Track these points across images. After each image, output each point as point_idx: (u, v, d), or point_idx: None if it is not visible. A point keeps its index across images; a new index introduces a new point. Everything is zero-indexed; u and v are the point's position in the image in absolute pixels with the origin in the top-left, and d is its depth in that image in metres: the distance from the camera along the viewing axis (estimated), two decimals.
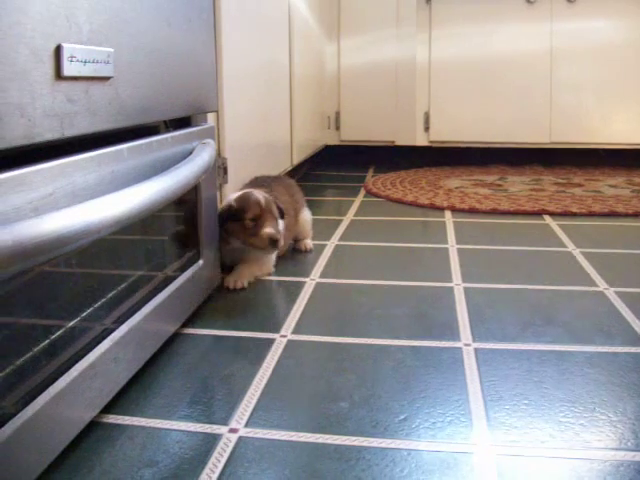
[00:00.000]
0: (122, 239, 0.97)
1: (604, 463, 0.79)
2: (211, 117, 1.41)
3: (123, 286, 0.97)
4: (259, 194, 1.44)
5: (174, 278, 1.11)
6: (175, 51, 1.08)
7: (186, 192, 1.02)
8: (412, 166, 3.12)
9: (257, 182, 1.64)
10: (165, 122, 1.14)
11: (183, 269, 1.15)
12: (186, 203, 1.18)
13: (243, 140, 1.73)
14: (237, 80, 1.64)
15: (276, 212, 1.44)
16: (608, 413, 0.90)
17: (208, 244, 1.26)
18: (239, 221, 1.39)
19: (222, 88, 1.52)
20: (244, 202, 1.40)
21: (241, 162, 1.70)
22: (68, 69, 0.72)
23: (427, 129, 3.13)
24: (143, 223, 1.04)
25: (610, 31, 2.96)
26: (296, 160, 2.42)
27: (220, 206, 1.42)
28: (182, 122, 1.19)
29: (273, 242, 1.37)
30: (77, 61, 0.73)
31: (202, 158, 1.07)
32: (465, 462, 0.79)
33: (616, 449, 0.82)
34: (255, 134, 1.87)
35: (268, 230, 1.37)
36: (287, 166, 2.30)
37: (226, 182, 1.57)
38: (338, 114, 3.19)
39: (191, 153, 1.11)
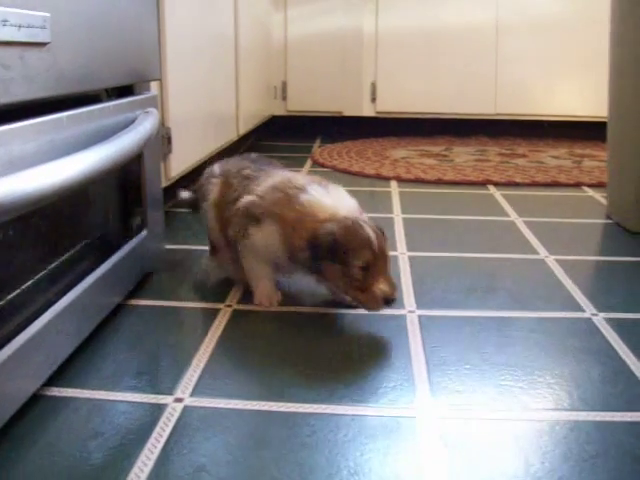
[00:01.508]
0: (63, 209, 0.96)
1: (541, 423, 0.82)
2: (155, 86, 1.38)
3: (65, 257, 0.96)
4: (367, 225, 1.04)
5: (118, 249, 1.10)
6: (116, 17, 1.06)
7: (129, 161, 1.01)
8: (359, 136, 3.12)
9: (241, 167, 1.23)
10: (107, 90, 1.12)
11: (127, 240, 1.14)
12: (129, 173, 1.17)
13: (188, 110, 1.71)
14: (181, 49, 1.62)
15: (388, 251, 1.07)
16: (546, 376, 0.93)
17: (153, 214, 1.25)
18: (340, 264, 1.03)
19: (166, 56, 1.50)
20: (352, 239, 1.02)
21: (186, 132, 1.68)
22: (1, 33, 0.70)
23: (374, 100, 3.13)
24: (86, 193, 1.03)
25: (555, 5, 3.00)
26: (242, 130, 2.40)
27: (310, 226, 1.05)
28: (125, 91, 1.17)
29: (389, 302, 1.04)
30: (10, 25, 0.71)
31: (144, 127, 1.06)
32: (408, 426, 0.81)
33: (552, 409, 0.85)
34: (200, 104, 1.85)
35: (384, 287, 1.02)
36: (233, 136, 2.28)
37: (170, 152, 1.55)
38: (285, 84, 3.18)
39: (133, 122, 1.09)
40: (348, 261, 1.02)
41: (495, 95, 3.08)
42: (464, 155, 2.66)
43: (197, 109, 1.82)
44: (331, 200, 1.09)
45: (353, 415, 0.83)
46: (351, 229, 1.03)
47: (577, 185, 2.18)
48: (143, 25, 1.19)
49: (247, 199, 1.14)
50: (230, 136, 2.24)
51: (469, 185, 2.16)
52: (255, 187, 1.15)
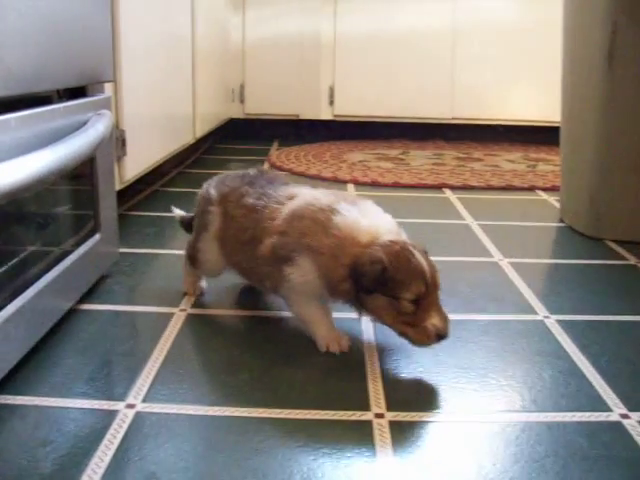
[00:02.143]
0: (12, 213, 0.94)
1: (493, 424, 0.83)
2: (109, 88, 1.37)
3: (14, 262, 0.94)
4: (416, 250, 0.93)
5: (69, 253, 1.08)
6: (68, 17, 1.04)
7: (81, 164, 0.99)
8: (317, 140, 3.12)
9: (244, 183, 1.10)
10: (58, 92, 1.10)
11: (79, 244, 1.12)
12: (81, 175, 1.15)
13: (143, 112, 1.69)
14: (136, 50, 1.60)
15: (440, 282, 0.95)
16: (499, 378, 0.94)
17: (106, 217, 1.23)
18: (388, 296, 0.91)
19: (120, 57, 1.48)
20: (403, 269, 0.90)
21: (141, 134, 1.66)
22: None
23: (332, 103, 3.14)
24: (37, 196, 1.01)
25: (511, 11, 3.04)
26: (199, 133, 2.39)
27: (351, 252, 0.93)
28: (77, 92, 1.15)
29: (441, 339, 0.92)
30: None
31: (96, 129, 1.04)
32: (361, 429, 0.81)
33: (504, 411, 0.86)
34: (156, 106, 1.83)
35: (437, 323, 0.91)
36: (189, 139, 2.27)
37: (125, 154, 1.53)
38: (242, 87, 3.16)
39: (85, 124, 1.07)
40: (397, 294, 0.90)
41: (452, 99, 3.11)
42: (421, 159, 2.68)
43: (153, 111, 1.80)
44: (368, 220, 0.96)
45: (306, 420, 0.83)
46: (401, 257, 0.91)
47: (531, 189, 2.21)
48: (96, 25, 1.17)
49: (268, 242, 1.00)
50: (187, 139, 2.23)
51: (425, 189, 2.17)
52: (270, 222, 1.01)
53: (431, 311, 0.91)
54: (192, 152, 2.68)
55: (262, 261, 1.01)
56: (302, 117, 3.16)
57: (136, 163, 1.63)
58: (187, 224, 1.25)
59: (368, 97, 3.12)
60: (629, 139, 1.57)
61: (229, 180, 1.13)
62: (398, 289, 0.90)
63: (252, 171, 1.14)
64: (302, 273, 0.96)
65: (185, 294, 1.20)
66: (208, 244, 1.12)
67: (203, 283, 1.21)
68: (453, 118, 3.12)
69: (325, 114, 3.15)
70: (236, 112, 3.15)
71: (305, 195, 1.03)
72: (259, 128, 3.23)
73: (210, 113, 2.61)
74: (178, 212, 1.30)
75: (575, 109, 1.71)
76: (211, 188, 1.13)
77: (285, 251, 0.98)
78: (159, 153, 1.87)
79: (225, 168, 2.48)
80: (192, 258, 1.16)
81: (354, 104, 3.13)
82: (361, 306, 0.96)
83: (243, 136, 3.20)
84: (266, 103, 3.16)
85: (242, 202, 1.07)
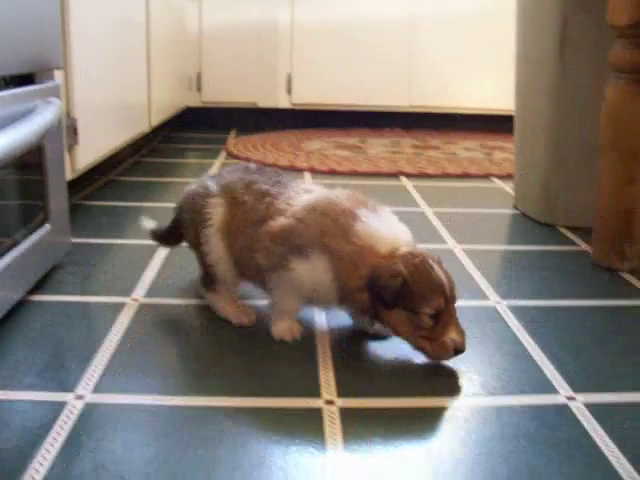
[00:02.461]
0: None
1: (442, 409, 0.84)
2: (59, 75, 1.34)
3: None
4: (435, 264, 0.92)
5: (18, 244, 1.06)
6: (13, 2, 1.02)
7: (29, 153, 0.97)
8: (275, 128, 3.11)
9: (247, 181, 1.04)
10: (5, 79, 1.08)
11: (27, 234, 1.10)
12: (30, 165, 1.13)
13: (96, 100, 1.67)
14: (88, 36, 1.57)
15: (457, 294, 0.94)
16: (449, 363, 0.94)
17: (56, 208, 1.21)
18: (406, 310, 0.89)
19: (70, 44, 1.45)
20: (423, 283, 0.88)
21: (94, 123, 1.63)
22: None
23: (289, 91, 3.12)
24: None
25: (468, 0, 3.06)
26: (155, 122, 2.36)
27: (371, 263, 0.90)
28: (25, 80, 1.13)
29: (458, 353, 0.91)
30: None
31: (43, 117, 1.02)
32: (312, 417, 0.81)
33: (454, 396, 0.87)
34: (109, 94, 1.81)
35: (455, 337, 0.89)
36: (145, 128, 2.24)
37: (76, 143, 1.50)
38: (199, 75, 3.13)
39: (32, 112, 1.05)
40: (417, 308, 0.88)
41: (409, 88, 3.12)
42: (378, 147, 2.69)
43: (106, 99, 1.77)
44: (387, 229, 0.94)
45: (258, 408, 0.83)
46: (422, 271, 0.89)
47: (487, 176, 2.23)
48: (44, 10, 1.15)
49: (282, 221, 0.95)
50: (142, 127, 2.20)
51: (382, 176, 2.18)
52: (286, 207, 0.97)
53: (450, 325, 0.89)
54: (148, 141, 2.65)
55: (267, 237, 0.96)
56: (260, 105, 3.14)
57: (89, 152, 1.60)
58: (161, 236, 1.20)
59: (326, 85, 3.11)
60: (581, 127, 1.59)
61: (227, 173, 1.08)
62: (418, 303, 0.88)
63: (252, 165, 1.09)
64: (310, 271, 0.93)
65: (239, 325, 1.05)
66: (211, 240, 1.03)
67: (248, 304, 1.11)
68: (411, 106, 3.13)
69: (283, 102, 3.14)
70: (193, 100, 3.12)
71: (324, 192, 1.00)
72: (217, 117, 3.20)
73: (166, 101, 2.59)
74: (148, 224, 1.21)
75: (528, 98, 1.72)
76: (207, 182, 1.06)
77: (298, 240, 0.93)
78: (113, 142, 1.85)
79: (182, 157, 2.46)
80: (207, 273, 1.07)
81: (312, 92, 3.12)
82: (376, 318, 0.93)
83: (200, 125, 3.18)
84: (223, 91, 3.14)
85: (254, 188, 1.01)
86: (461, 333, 0.90)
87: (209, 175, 1.11)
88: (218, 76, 3.12)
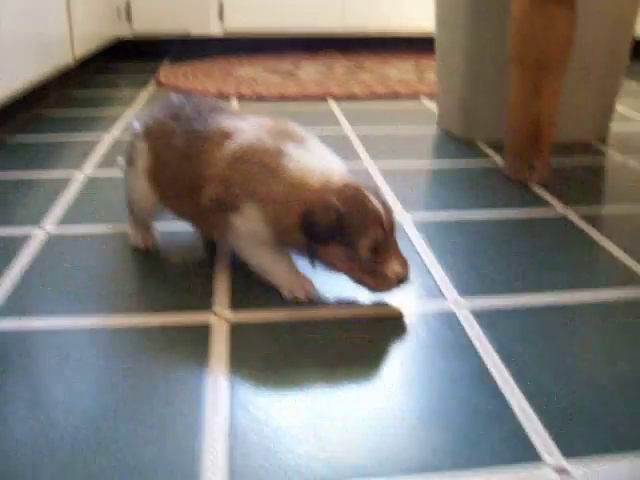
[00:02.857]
0: None
1: (328, 321, 0.86)
2: None
3: None
4: (370, 193, 0.87)
5: None
6: None
7: None
8: (208, 57, 3.06)
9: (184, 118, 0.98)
10: None
11: None
12: None
13: (7, 31, 1.62)
14: None
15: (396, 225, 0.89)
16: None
17: None
18: (344, 245, 0.85)
19: None
20: (359, 215, 0.84)
21: (5, 56, 1.59)
22: None
23: (222, 18, 3.06)
24: None
25: None
26: (79, 54, 2.31)
27: (302, 199, 0.86)
28: None
29: (401, 283, 0.87)
30: None
31: None
32: (201, 331, 0.83)
33: (340, 304, 0.89)
34: (22, 25, 1.75)
35: (397, 268, 0.86)
36: (68, 60, 2.19)
37: None
38: (129, 5, 3.04)
39: None
40: (354, 241, 0.84)
41: (343, 10, 3.07)
42: (311, 71, 2.67)
43: (19, 30, 1.72)
44: (317, 161, 0.88)
45: (146, 326, 0.85)
46: (357, 202, 0.85)
47: (415, 96, 2.23)
48: None
49: (210, 192, 0.91)
50: (64, 59, 2.15)
51: (310, 100, 2.17)
52: (209, 169, 0.92)
53: (390, 256, 0.86)
54: (77, 73, 2.59)
55: (207, 212, 0.94)
56: (192, 34, 3.08)
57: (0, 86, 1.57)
58: None
59: (259, 11, 3.06)
60: (496, 43, 1.60)
61: (156, 110, 1.03)
62: (355, 236, 0.84)
63: (176, 100, 1.02)
64: (247, 222, 0.89)
65: (134, 247, 1.08)
66: (137, 181, 1.02)
67: (155, 233, 1.10)
68: (344, 28, 3.10)
69: (215, 30, 3.08)
70: (123, 31, 3.04)
71: (245, 133, 0.92)
72: (150, 47, 3.14)
73: (92, 33, 2.52)
74: (122, 159, 1.14)
75: (445, 17, 1.72)
76: (136, 122, 1.04)
77: (229, 199, 0.90)
78: (30, 77, 1.80)
79: (113, 87, 2.42)
80: (129, 201, 1.07)
81: (245, 18, 3.06)
82: (314, 256, 0.88)
83: (134, 55, 3.11)
84: (154, 21, 3.06)
85: (172, 144, 0.96)
86: (404, 263, 0.87)
87: (145, 114, 1.07)
88: (148, 5, 3.04)
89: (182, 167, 0.95)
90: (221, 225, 0.92)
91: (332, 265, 0.88)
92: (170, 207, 1.02)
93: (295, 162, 0.87)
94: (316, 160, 0.88)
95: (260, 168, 0.88)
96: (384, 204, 0.87)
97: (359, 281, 0.88)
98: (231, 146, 0.91)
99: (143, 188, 1.02)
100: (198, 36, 3.09)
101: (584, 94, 1.67)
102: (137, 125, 1.03)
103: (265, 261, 0.93)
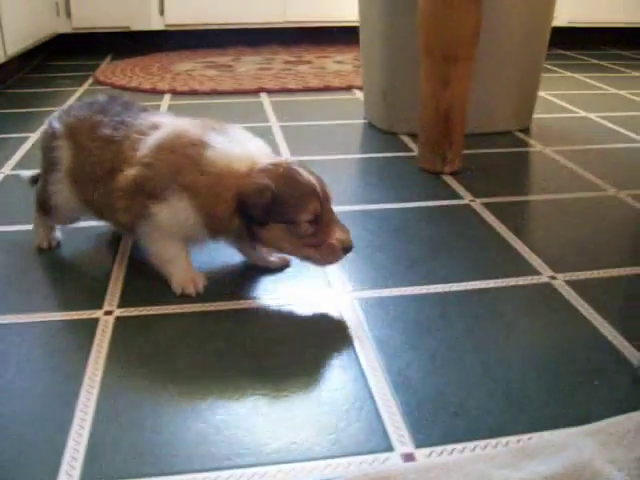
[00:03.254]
0: None
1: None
2: None
3: None
4: (300, 168, 0.89)
5: None
6: None
7: None
8: (150, 52, 3.05)
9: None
10: None
11: None
12: None
13: None
14: None
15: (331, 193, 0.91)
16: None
17: None
18: (284, 222, 0.86)
19: None
20: (293, 190, 0.85)
21: None
22: None
23: (162, 12, 3.05)
24: None
25: None
26: (11, 50, 2.28)
27: (233, 185, 0.87)
28: None
29: (348, 251, 0.88)
30: None
31: None
32: (89, 327, 0.85)
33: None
34: None
35: (340, 236, 0.87)
36: None
37: None
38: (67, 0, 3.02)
39: None
40: (293, 217, 0.85)
41: (284, 3, 3.08)
42: (249, 65, 2.68)
43: None
44: (241, 146, 0.90)
45: (39, 322, 0.86)
46: (289, 178, 0.86)
47: (349, 88, 2.26)
48: None
49: (131, 173, 0.90)
50: None
51: (243, 94, 2.18)
52: (132, 153, 0.92)
53: (331, 226, 0.87)
54: (16, 70, 2.57)
55: (120, 193, 0.91)
56: (133, 29, 3.07)
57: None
58: (34, 179, 1.12)
59: (200, 4, 3.05)
60: (414, 36, 1.62)
61: (75, 110, 1.01)
62: (293, 213, 0.85)
63: (102, 97, 1.02)
64: (173, 212, 0.88)
65: (38, 248, 1.08)
66: (58, 185, 1.00)
67: (57, 234, 1.10)
68: (286, 22, 3.11)
69: (156, 24, 3.06)
70: (63, 26, 3.02)
71: (170, 125, 0.94)
72: (91, 43, 3.12)
73: (26, 28, 2.50)
74: (25, 173, 1.14)
75: (366, 10, 1.74)
76: (54, 121, 1.01)
77: (152, 186, 0.89)
78: None
79: (53, 85, 2.40)
80: (43, 205, 1.04)
81: (186, 12, 3.05)
82: (255, 240, 0.90)
83: (75, 52, 3.09)
84: (95, 16, 3.03)
85: (97, 133, 0.95)
86: (346, 231, 0.88)
87: (60, 111, 1.04)
88: (87, 0, 3.01)
89: (104, 152, 0.94)
90: (134, 211, 0.91)
91: (275, 245, 0.89)
92: (85, 202, 0.99)
93: (218, 150, 0.88)
94: (239, 146, 0.90)
95: (187, 159, 0.88)
96: (315, 176, 0.88)
97: (305, 257, 0.89)
98: (157, 135, 0.92)
99: (64, 191, 1.00)
100: (139, 30, 3.08)
101: (504, 84, 1.71)
102: (56, 125, 1.00)
103: (166, 254, 0.93)
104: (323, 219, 0.86)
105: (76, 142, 0.97)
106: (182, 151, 0.89)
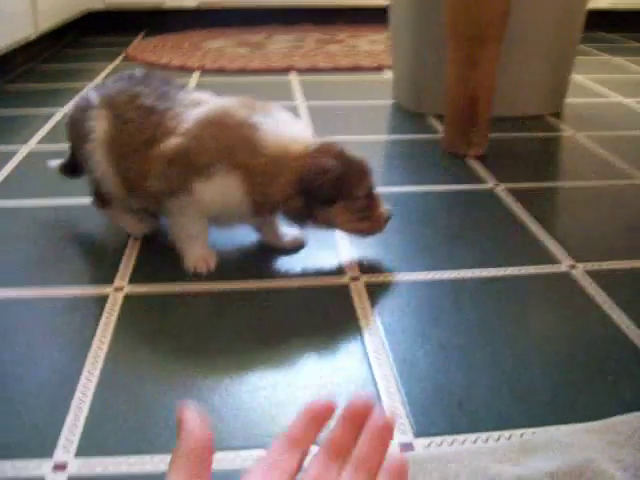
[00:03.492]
0: None
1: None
2: None
3: None
4: (343, 148, 0.90)
5: None
6: None
7: None
8: (184, 29, 3.04)
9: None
10: None
11: None
12: None
13: None
14: None
15: None
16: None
17: None
18: (344, 199, 0.88)
19: None
20: (351, 169, 0.88)
21: None
22: None
23: None
24: None
25: None
26: (44, 26, 2.29)
27: (293, 167, 0.86)
28: None
29: (388, 220, 0.94)
30: None
31: None
32: (101, 302, 0.85)
33: None
34: None
35: (385, 208, 0.92)
36: (30, 33, 2.18)
37: None
38: None
39: None
40: (353, 194, 0.88)
41: None
42: (281, 43, 2.65)
43: None
44: (289, 130, 0.90)
45: (50, 297, 0.86)
46: (344, 158, 0.88)
47: (379, 68, 2.23)
48: None
49: (176, 141, 0.88)
50: (26, 32, 2.14)
51: (272, 72, 2.16)
52: (174, 124, 0.90)
53: (376, 198, 0.91)
54: (47, 47, 2.58)
55: (160, 160, 0.89)
56: (166, 5, 3.06)
57: None
58: (68, 167, 1.08)
59: None
60: (438, 17, 1.58)
61: (111, 83, 0.98)
62: (354, 189, 0.87)
63: (138, 72, 0.99)
64: (218, 191, 0.87)
65: (135, 239, 1.03)
66: (95, 155, 0.95)
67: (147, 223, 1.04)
68: (320, 1, 3.07)
69: (190, 2, 3.05)
70: (95, 3, 3.02)
71: (215, 102, 0.93)
72: (125, 20, 3.12)
73: (58, 5, 2.50)
74: (55, 163, 1.11)
75: None
76: (90, 94, 0.97)
77: (197, 160, 0.87)
78: None
79: (86, 61, 2.41)
80: (99, 194, 1.01)
81: None
82: (311, 220, 0.90)
83: (108, 29, 3.09)
84: None
85: (138, 103, 0.93)
86: (382, 201, 0.93)
87: (96, 86, 1.00)
88: None
89: (144, 121, 0.91)
90: (170, 181, 0.88)
91: (330, 223, 0.90)
92: (118, 176, 0.95)
93: (272, 132, 0.87)
94: (287, 128, 0.89)
95: (240, 139, 0.87)
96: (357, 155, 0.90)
97: (357, 230, 0.92)
98: (202, 110, 0.90)
99: (101, 162, 0.95)
100: (172, 8, 3.07)
101: (536, 68, 1.66)
102: (93, 95, 0.96)
103: (189, 230, 0.93)
104: (373, 195, 0.91)
105: (115, 112, 0.94)
106: (234, 130, 0.87)
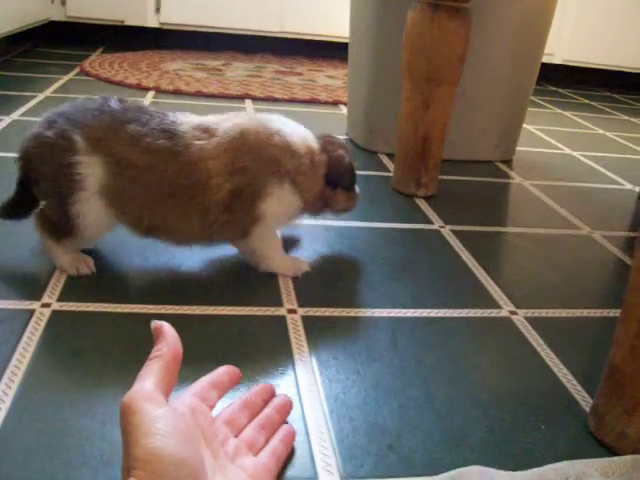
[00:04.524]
0: None
1: None
2: None
3: None
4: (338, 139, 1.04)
5: None
6: None
7: None
8: (144, 48, 3.02)
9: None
10: None
11: None
12: None
13: None
14: None
15: None
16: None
17: None
18: (344, 185, 1.02)
19: None
20: (352, 158, 1.02)
21: None
22: None
23: (158, 10, 3.02)
24: None
25: None
26: None
27: (318, 162, 0.96)
28: None
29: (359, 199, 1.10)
30: None
31: None
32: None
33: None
34: None
35: (357, 189, 1.08)
36: None
37: None
38: None
39: None
40: (354, 180, 1.04)
41: (282, 13, 3.06)
42: (240, 70, 2.65)
43: None
44: (297, 128, 0.97)
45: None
46: (345, 148, 1.02)
47: (335, 103, 2.23)
48: None
49: (224, 187, 0.87)
50: None
51: (228, 99, 2.15)
52: (208, 162, 0.87)
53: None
54: (2, 54, 2.53)
55: (216, 209, 0.88)
56: (127, 23, 3.03)
57: None
58: (12, 209, 0.94)
59: (197, 6, 3.02)
60: (398, 58, 1.60)
61: (85, 118, 0.86)
62: (354, 175, 1.03)
63: (114, 103, 0.89)
64: (280, 201, 0.92)
65: (76, 275, 0.93)
66: (88, 205, 0.87)
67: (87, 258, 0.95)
68: (282, 32, 3.08)
69: (151, 21, 3.03)
70: (57, 14, 2.98)
71: (228, 124, 0.91)
72: (85, 33, 3.08)
73: (15, 11, 2.46)
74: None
75: (356, 28, 1.72)
76: (67, 131, 0.85)
77: (253, 189, 0.89)
78: None
79: (41, 72, 2.35)
80: (64, 228, 0.89)
81: (182, 12, 3.02)
82: (327, 208, 1.03)
83: (67, 41, 3.05)
84: (90, 6, 3.00)
85: (142, 145, 0.85)
86: None
87: (57, 112, 0.88)
88: None
89: (167, 166, 0.86)
90: (242, 220, 0.91)
91: (337, 207, 1.03)
92: (134, 220, 0.90)
93: (294, 134, 0.94)
94: (296, 127, 0.97)
95: (279, 149, 0.91)
96: None
97: (346, 209, 1.06)
98: (224, 137, 0.89)
99: (96, 211, 0.88)
100: (133, 25, 3.04)
101: (489, 114, 1.69)
102: (76, 138, 0.85)
103: (271, 247, 0.98)
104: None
105: (112, 157, 0.85)
106: (271, 143, 0.91)
